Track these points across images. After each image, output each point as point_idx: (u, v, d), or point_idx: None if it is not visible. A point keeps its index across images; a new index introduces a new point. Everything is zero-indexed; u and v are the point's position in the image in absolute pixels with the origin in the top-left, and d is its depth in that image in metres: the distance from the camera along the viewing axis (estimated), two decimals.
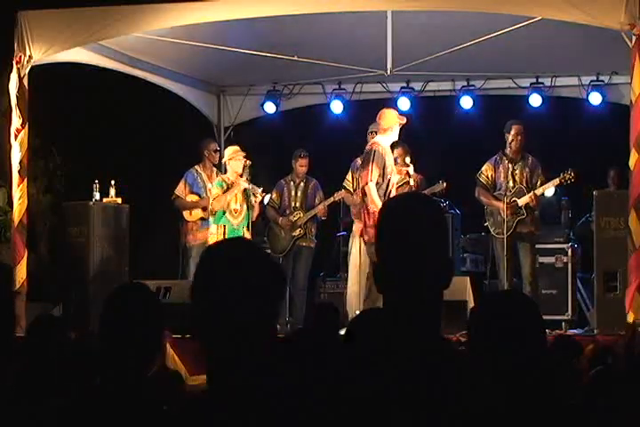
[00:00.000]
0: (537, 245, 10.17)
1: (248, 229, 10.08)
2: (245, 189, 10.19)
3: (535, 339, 2.57)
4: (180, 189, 10.86)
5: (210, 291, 2.21)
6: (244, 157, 10.17)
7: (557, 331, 9.78)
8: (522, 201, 9.92)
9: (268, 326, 2.24)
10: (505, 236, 9.85)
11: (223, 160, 10.57)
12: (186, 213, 10.84)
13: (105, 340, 3.13)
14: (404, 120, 9.72)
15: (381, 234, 2.42)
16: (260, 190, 10.29)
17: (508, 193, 9.95)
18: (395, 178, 9.75)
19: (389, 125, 9.68)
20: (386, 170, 9.61)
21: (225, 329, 2.18)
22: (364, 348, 2.34)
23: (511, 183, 10.02)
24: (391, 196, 9.54)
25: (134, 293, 3.23)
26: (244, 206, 10.26)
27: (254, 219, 10.44)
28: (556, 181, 9.92)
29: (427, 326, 2.36)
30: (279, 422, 2.15)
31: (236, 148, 10.48)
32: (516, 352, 2.49)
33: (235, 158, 10.27)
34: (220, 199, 10.09)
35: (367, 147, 9.71)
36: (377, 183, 9.57)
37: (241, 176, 10.15)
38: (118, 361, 3.05)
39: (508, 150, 10.09)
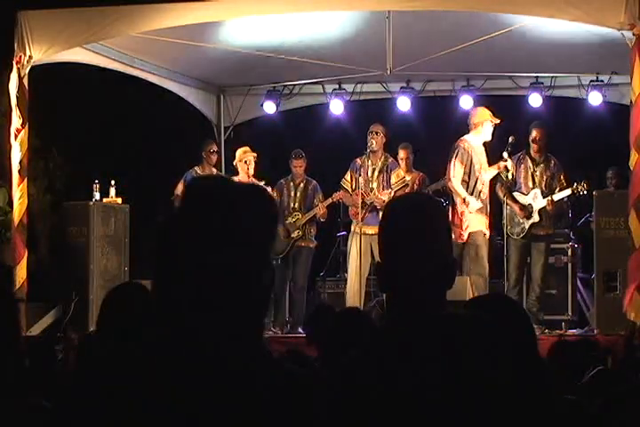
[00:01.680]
0: None
1: None
2: None
3: (524, 342, 2.57)
4: (180, 190, 10.84)
5: (180, 230, 1.85)
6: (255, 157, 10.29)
7: (557, 331, 9.77)
8: (538, 205, 9.92)
9: (258, 283, 1.82)
10: (517, 237, 9.92)
11: (234, 162, 10.61)
12: None
13: (105, 340, 3.12)
14: (497, 120, 9.70)
15: (384, 234, 2.41)
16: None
17: (524, 193, 9.97)
18: (487, 175, 9.69)
19: (478, 122, 9.67)
20: (473, 167, 9.55)
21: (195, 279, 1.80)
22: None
23: (530, 184, 10.03)
24: (482, 194, 9.56)
25: (134, 293, 3.23)
26: None
27: None
28: (568, 191, 9.91)
29: None
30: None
31: (246, 148, 10.51)
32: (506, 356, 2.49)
33: (244, 160, 10.32)
34: None
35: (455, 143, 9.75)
36: (463, 181, 9.54)
37: (254, 177, 10.21)
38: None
39: (530, 150, 10.12)
